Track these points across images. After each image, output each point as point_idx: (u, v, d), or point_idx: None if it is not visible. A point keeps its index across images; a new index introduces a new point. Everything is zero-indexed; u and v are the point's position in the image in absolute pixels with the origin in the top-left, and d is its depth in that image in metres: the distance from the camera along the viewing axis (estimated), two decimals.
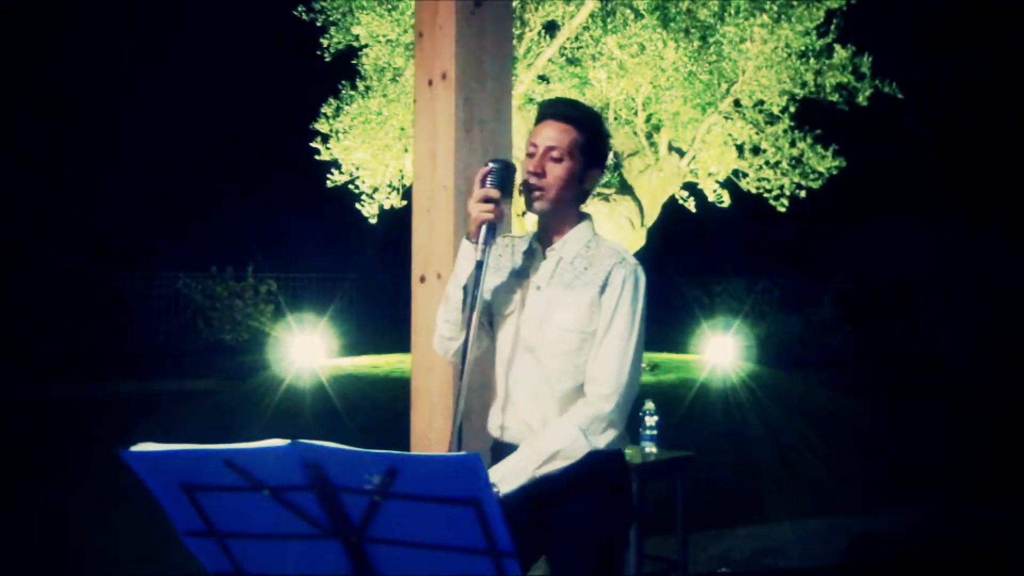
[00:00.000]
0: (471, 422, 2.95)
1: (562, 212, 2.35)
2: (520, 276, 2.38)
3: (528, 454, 2.23)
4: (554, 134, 2.30)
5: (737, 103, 10.06)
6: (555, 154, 2.29)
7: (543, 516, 2.30)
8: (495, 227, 2.23)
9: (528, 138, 2.37)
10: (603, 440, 2.26)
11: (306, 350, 11.43)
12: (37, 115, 16.88)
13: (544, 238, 2.39)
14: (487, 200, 2.22)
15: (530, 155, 2.33)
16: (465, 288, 2.27)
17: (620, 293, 2.28)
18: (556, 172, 2.30)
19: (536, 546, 2.35)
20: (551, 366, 2.30)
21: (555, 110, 2.35)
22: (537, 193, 2.31)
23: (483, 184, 2.24)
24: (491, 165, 2.27)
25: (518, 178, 2.35)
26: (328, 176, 10.21)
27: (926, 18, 15.69)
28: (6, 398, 10.22)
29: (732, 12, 9.44)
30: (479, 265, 2.20)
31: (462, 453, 1.89)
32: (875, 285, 15.67)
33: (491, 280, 2.38)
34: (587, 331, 2.29)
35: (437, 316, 2.42)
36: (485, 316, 2.40)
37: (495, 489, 2.17)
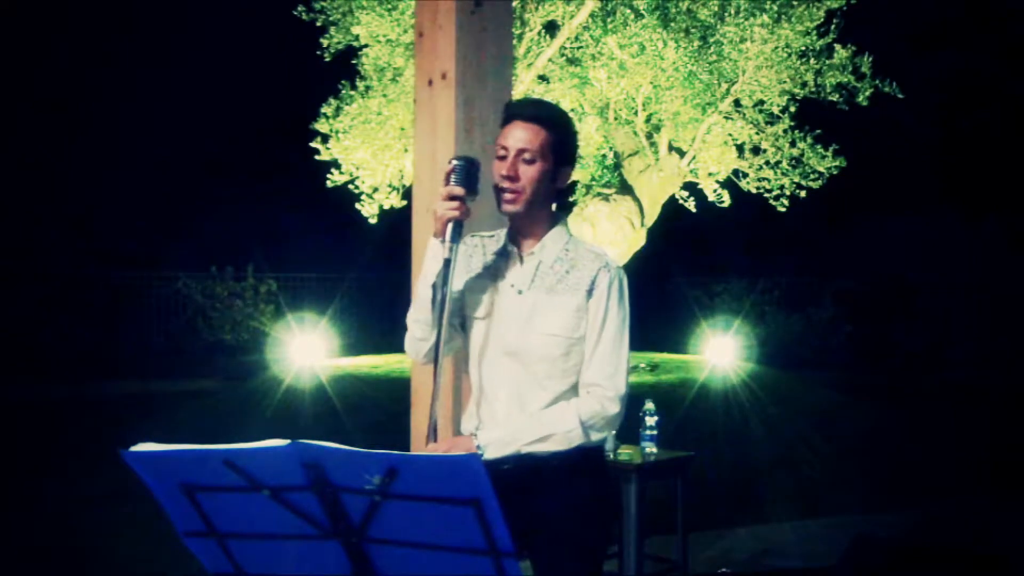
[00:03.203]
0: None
1: (536, 213, 2.34)
2: (494, 277, 2.38)
3: (523, 427, 2.26)
4: (525, 135, 2.29)
5: (737, 103, 10.06)
6: (527, 156, 2.29)
7: (524, 511, 2.30)
8: (461, 224, 2.24)
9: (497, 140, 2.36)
10: (597, 436, 2.31)
11: (306, 350, 11.43)
12: (37, 115, 16.87)
13: (518, 239, 2.39)
14: (452, 198, 2.23)
15: (501, 157, 2.31)
16: (434, 286, 2.27)
17: (608, 298, 2.30)
18: (530, 174, 2.29)
19: (520, 543, 2.35)
20: (538, 371, 2.31)
21: (523, 111, 2.34)
22: (511, 196, 2.30)
23: (447, 182, 2.25)
24: (454, 163, 2.27)
25: (494, 180, 2.35)
26: (328, 176, 10.21)
27: (926, 18, 15.67)
28: (6, 398, 10.21)
29: (732, 12, 9.45)
30: (447, 263, 2.21)
31: (462, 453, 1.89)
32: (875, 284, 15.64)
33: (464, 280, 2.38)
34: (574, 336, 2.30)
35: (407, 318, 2.41)
36: (457, 317, 2.39)
37: (478, 451, 2.22)
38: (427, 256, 2.31)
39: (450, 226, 2.22)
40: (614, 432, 2.42)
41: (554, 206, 2.40)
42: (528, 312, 2.31)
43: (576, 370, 2.32)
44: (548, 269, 2.34)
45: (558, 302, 2.30)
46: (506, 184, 2.29)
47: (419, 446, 3.13)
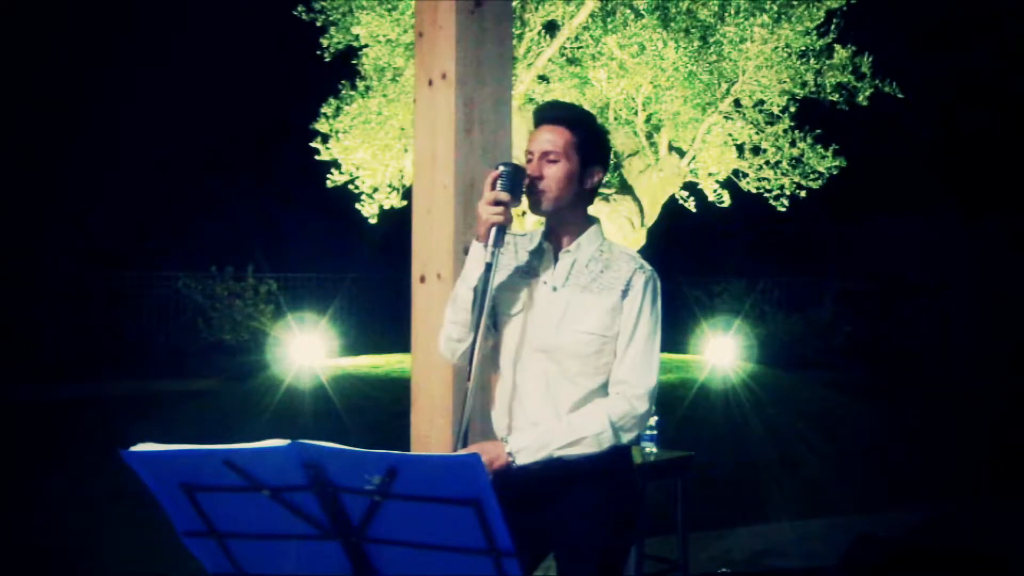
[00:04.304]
0: (473, 422, 2.95)
1: (568, 213, 2.39)
2: (527, 275, 2.41)
3: (555, 432, 2.27)
4: (548, 137, 2.35)
5: (737, 103, 10.06)
6: (551, 156, 2.34)
7: (550, 508, 2.31)
8: (504, 230, 2.27)
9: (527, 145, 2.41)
10: (628, 437, 2.32)
11: (306, 350, 11.44)
12: (37, 115, 16.86)
13: (553, 238, 2.42)
14: (497, 203, 2.26)
15: (529, 161, 2.37)
16: (475, 289, 2.30)
17: (643, 299, 2.34)
18: (553, 173, 2.34)
19: (543, 541, 2.36)
20: (569, 368, 2.33)
21: (547, 114, 2.40)
22: (538, 196, 2.35)
23: (493, 187, 2.29)
24: (501, 168, 2.31)
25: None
26: (328, 176, 10.21)
27: (926, 18, 15.68)
28: (6, 398, 10.21)
29: (732, 12, 9.45)
30: (488, 267, 2.24)
31: (462, 453, 1.89)
32: (875, 284, 15.64)
33: (496, 278, 2.40)
34: (608, 335, 2.33)
35: (444, 318, 2.44)
36: (489, 316, 2.41)
37: (511, 459, 2.22)
38: (468, 258, 2.35)
39: (493, 231, 2.26)
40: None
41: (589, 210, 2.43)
42: (562, 309, 2.34)
43: (607, 368, 2.34)
44: (583, 268, 2.37)
45: (592, 300, 2.33)
46: (534, 185, 2.34)
47: (419, 446, 3.13)
